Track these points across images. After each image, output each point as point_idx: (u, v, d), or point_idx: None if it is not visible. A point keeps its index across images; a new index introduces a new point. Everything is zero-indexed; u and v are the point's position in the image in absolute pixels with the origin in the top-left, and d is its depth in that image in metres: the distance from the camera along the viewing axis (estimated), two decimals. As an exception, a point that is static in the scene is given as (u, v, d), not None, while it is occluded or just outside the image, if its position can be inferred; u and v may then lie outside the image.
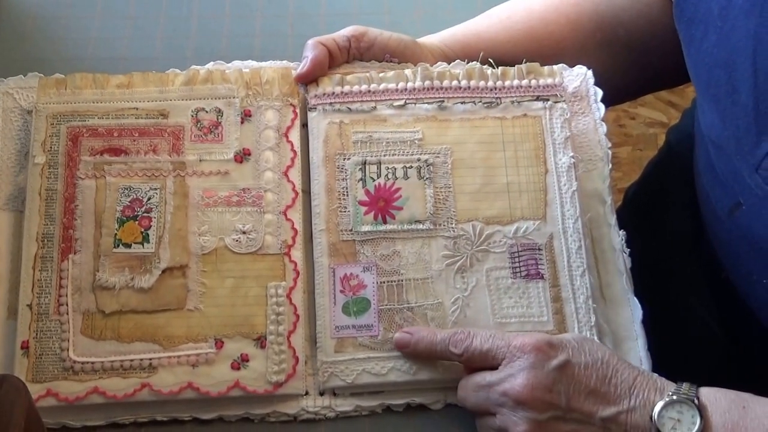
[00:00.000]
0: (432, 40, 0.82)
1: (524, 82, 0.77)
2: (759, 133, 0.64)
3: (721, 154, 0.71)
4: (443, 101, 0.76)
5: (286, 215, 0.73)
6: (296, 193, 0.74)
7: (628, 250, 0.74)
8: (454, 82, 0.77)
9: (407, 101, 0.76)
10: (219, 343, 0.69)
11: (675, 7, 0.73)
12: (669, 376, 0.70)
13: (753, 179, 0.66)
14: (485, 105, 0.76)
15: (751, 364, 0.81)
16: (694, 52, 0.71)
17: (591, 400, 0.63)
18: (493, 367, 0.66)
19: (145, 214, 0.72)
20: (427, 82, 0.77)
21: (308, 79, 0.77)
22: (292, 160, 0.74)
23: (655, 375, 0.65)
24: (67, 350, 0.68)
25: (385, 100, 0.76)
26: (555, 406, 0.63)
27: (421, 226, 0.73)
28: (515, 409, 0.63)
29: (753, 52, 0.64)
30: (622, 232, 0.74)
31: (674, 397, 0.63)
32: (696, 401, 0.62)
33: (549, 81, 0.77)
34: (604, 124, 0.79)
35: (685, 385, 0.64)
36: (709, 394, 0.64)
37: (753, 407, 0.63)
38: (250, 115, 0.76)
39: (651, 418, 0.62)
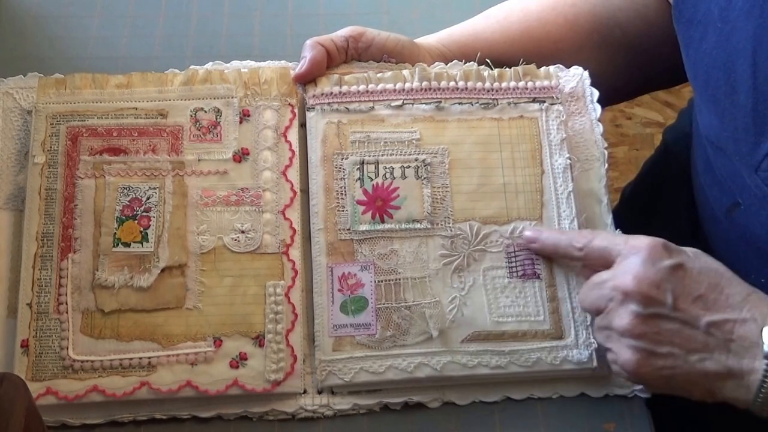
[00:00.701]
0: (430, 40, 0.83)
1: (521, 83, 0.78)
2: (758, 134, 0.65)
3: (720, 154, 0.71)
4: (440, 102, 0.76)
5: (284, 214, 0.73)
6: (294, 193, 0.74)
7: (624, 250, 0.74)
8: (452, 83, 0.77)
9: (405, 101, 0.77)
10: (218, 342, 0.69)
11: (674, 8, 0.73)
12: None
13: (752, 180, 0.66)
14: (482, 106, 0.77)
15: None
16: (692, 53, 0.71)
17: (699, 305, 0.62)
18: (610, 265, 0.66)
19: (144, 214, 0.72)
20: (424, 83, 0.77)
21: (306, 79, 0.77)
22: (291, 159, 0.75)
23: None
24: (67, 349, 0.68)
25: (383, 100, 0.77)
26: (659, 303, 0.62)
27: (418, 226, 0.73)
28: (622, 303, 0.63)
29: (753, 54, 0.64)
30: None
31: None
32: None
33: (545, 83, 0.78)
34: (600, 124, 0.79)
35: None
36: None
37: None
38: (248, 115, 0.76)
39: (761, 332, 0.61)
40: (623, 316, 0.63)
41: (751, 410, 0.63)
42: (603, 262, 0.67)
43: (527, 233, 0.72)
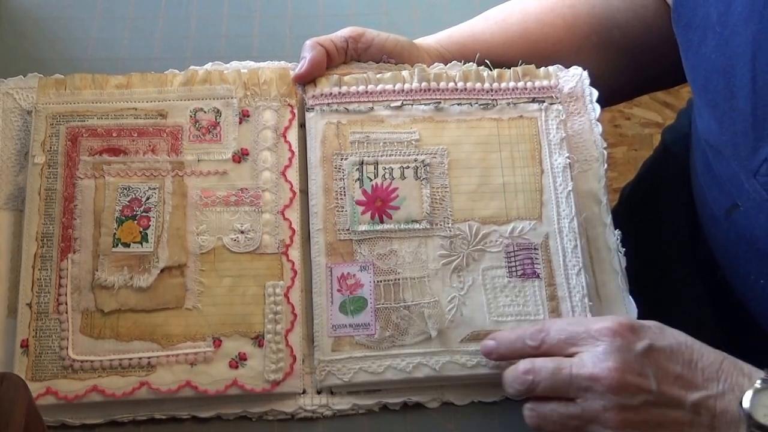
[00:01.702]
0: (429, 41, 0.83)
1: (520, 84, 0.78)
2: (757, 139, 0.65)
3: (719, 157, 0.71)
4: (440, 102, 0.77)
5: (283, 215, 0.73)
6: (294, 193, 0.74)
7: (623, 250, 0.74)
8: (451, 84, 0.77)
9: (404, 102, 0.77)
10: (217, 342, 0.69)
11: (673, 11, 0.73)
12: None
13: (751, 184, 0.66)
14: (481, 106, 0.77)
15: (747, 363, 0.81)
16: (692, 57, 0.71)
17: (678, 385, 0.61)
18: (571, 355, 0.63)
19: (144, 214, 0.72)
20: (424, 84, 0.77)
21: (306, 80, 0.78)
22: (290, 160, 0.75)
23: (740, 360, 0.63)
24: (67, 349, 0.68)
25: (383, 100, 0.77)
26: (646, 391, 0.61)
27: (417, 226, 0.73)
28: (603, 395, 0.61)
29: (752, 59, 0.64)
30: (617, 232, 0.75)
31: (764, 380, 0.60)
32: None
33: (545, 83, 0.78)
34: (599, 124, 0.79)
35: None
36: None
37: None
38: (248, 116, 0.76)
39: (740, 404, 0.60)
40: (610, 409, 0.61)
41: None
42: (564, 353, 0.64)
43: (485, 343, 0.68)
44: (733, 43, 0.65)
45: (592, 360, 0.62)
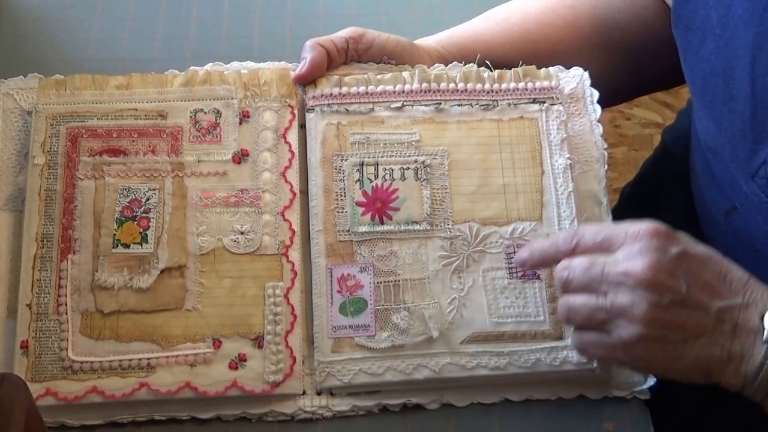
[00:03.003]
0: (429, 41, 0.83)
1: (520, 84, 0.78)
2: (755, 142, 0.65)
3: (717, 159, 0.71)
4: (440, 103, 0.77)
5: (283, 216, 0.73)
6: (294, 194, 0.74)
7: (623, 251, 0.74)
8: (451, 85, 0.77)
9: (404, 103, 0.77)
10: (217, 343, 0.69)
11: (673, 13, 0.73)
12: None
13: (749, 186, 0.66)
14: (482, 107, 0.77)
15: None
16: (691, 59, 0.71)
17: (707, 291, 0.62)
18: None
19: (144, 215, 0.72)
20: (424, 85, 0.77)
21: (306, 81, 0.78)
22: (290, 160, 0.75)
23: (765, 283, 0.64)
24: (66, 350, 0.68)
25: (383, 101, 0.77)
26: (676, 291, 0.62)
27: (418, 227, 0.73)
28: (634, 290, 0.62)
29: (751, 61, 0.64)
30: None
31: None
32: None
33: (545, 83, 0.78)
34: (600, 125, 0.79)
35: None
36: None
37: None
38: (248, 116, 0.76)
39: (762, 317, 0.61)
40: (640, 304, 0.62)
41: (745, 394, 0.63)
42: (602, 251, 0.65)
43: (519, 255, 0.69)
44: (733, 46, 0.65)
45: (627, 257, 0.62)
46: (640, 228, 0.63)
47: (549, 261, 0.68)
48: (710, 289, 0.62)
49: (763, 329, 0.61)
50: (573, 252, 0.65)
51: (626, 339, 0.63)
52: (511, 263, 0.72)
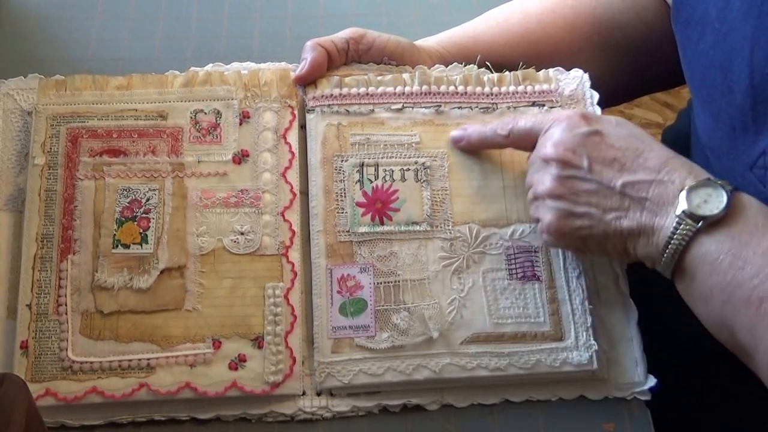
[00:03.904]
0: (430, 42, 0.83)
1: (520, 88, 0.78)
2: (756, 133, 0.65)
3: (716, 156, 0.71)
4: (440, 106, 0.77)
5: (284, 216, 0.73)
6: (294, 195, 0.74)
7: (623, 252, 0.74)
8: (451, 87, 0.77)
9: (405, 105, 0.77)
10: (217, 344, 0.69)
11: (672, 8, 0.73)
12: (664, 377, 0.70)
13: (747, 178, 0.66)
14: (482, 110, 0.77)
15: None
16: (690, 54, 0.72)
17: (614, 167, 0.65)
18: (535, 143, 0.70)
19: (144, 215, 0.72)
20: (424, 87, 0.77)
21: (307, 81, 0.78)
22: (290, 161, 0.75)
23: (694, 164, 0.65)
24: (66, 350, 0.68)
25: (383, 103, 0.77)
26: (575, 166, 0.66)
27: (418, 228, 0.73)
28: (543, 168, 0.68)
29: (750, 54, 0.64)
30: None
31: (708, 179, 0.63)
32: (730, 189, 0.62)
33: (545, 87, 0.78)
34: (599, 126, 0.79)
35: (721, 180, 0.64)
36: (744, 195, 0.63)
37: None
38: (248, 117, 0.76)
39: (678, 193, 0.63)
40: (545, 181, 0.67)
41: (660, 270, 0.65)
42: (530, 142, 0.70)
43: (453, 133, 0.75)
44: (731, 39, 0.66)
45: (542, 141, 0.69)
46: (562, 113, 0.70)
47: (486, 142, 0.74)
48: (619, 165, 0.65)
49: (678, 203, 0.62)
50: (507, 137, 0.72)
51: (543, 218, 0.68)
52: (511, 264, 0.72)
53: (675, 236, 0.62)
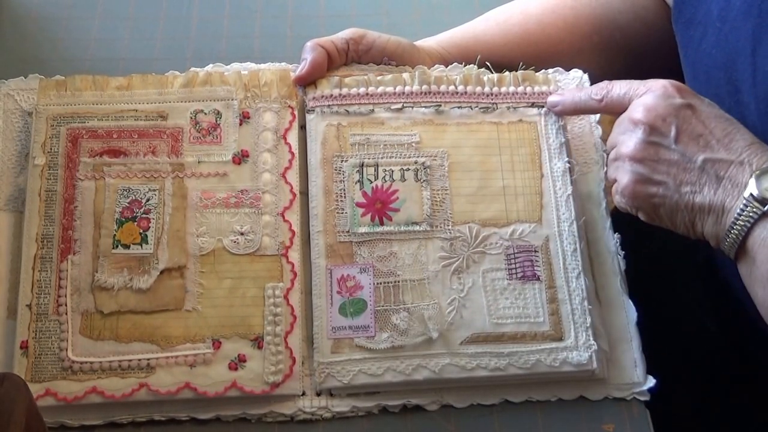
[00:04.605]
0: (430, 43, 0.83)
1: (519, 88, 0.78)
2: (764, 132, 0.65)
3: None
4: (440, 105, 0.77)
5: (283, 216, 0.73)
6: (294, 195, 0.74)
7: (623, 253, 0.74)
8: (451, 87, 0.77)
9: (405, 105, 0.77)
10: (216, 344, 0.69)
11: (674, 8, 0.73)
12: (664, 377, 0.70)
13: None
14: (481, 110, 0.77)
15: (749, 365, 0.81)
16: (692, 54, 0.72)
17: (700, 142, 0.65)
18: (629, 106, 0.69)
19: (144, 216, 0.72)
20: (424, 87, 0.77)
21: (307, 81, 0.78)
22: (290, 161, 0.75)
23: None
24: (66, 350, 0.68)
25: (383, 103, 0.77)
26: (662, 134, 0.66)
27: (417, 228, 0.73)
28: (630, 131, 0.67)
29: (752, 53, 0.64)
30: (616, 235, 0.75)
31: None
32: None
33: (544, 88, 0.78)
34: (599, 127, 0.79)
35: None
36: None
37: None
38: (248, 117, 0.76)
39: (751, 176, 0.63)
40: (629, 143, 0.67)
41: (722, 249, 0.65)
42: (623, 108, 0.69)
43: (550, 99, 0.76)
44: (733, 38, 0.66)
45: (634, 105, 0.68)
46: (658, 82, 0.68)
47: (579, 107, 0.74)
48: (704, 142, 0.65)
49: (746, 185, 0.63)
50: (601, 102, 0.71)
51: (621, 180, 0.68)
52: (510, 264, 0.72)
53: (740, 218, 0.63)
